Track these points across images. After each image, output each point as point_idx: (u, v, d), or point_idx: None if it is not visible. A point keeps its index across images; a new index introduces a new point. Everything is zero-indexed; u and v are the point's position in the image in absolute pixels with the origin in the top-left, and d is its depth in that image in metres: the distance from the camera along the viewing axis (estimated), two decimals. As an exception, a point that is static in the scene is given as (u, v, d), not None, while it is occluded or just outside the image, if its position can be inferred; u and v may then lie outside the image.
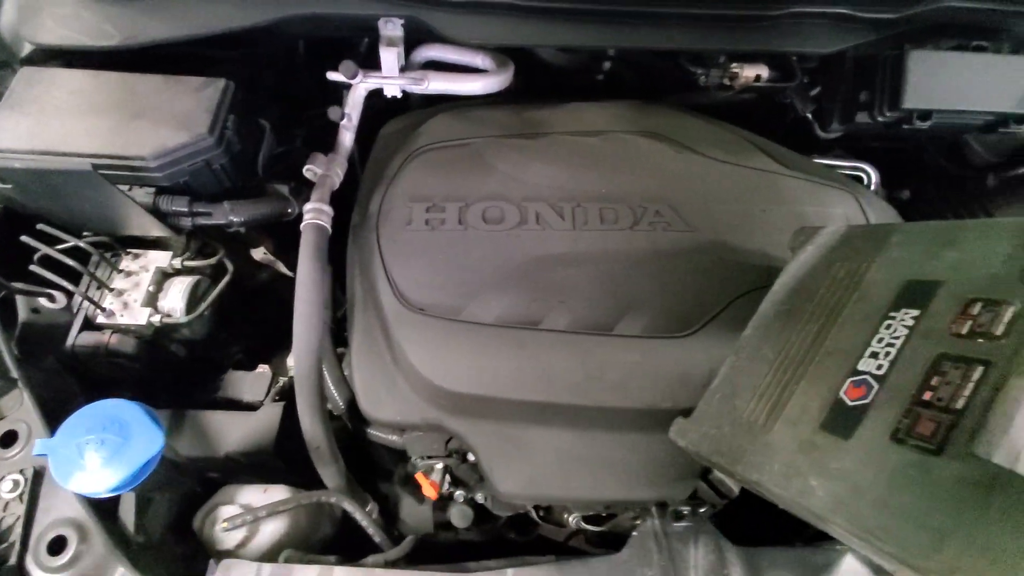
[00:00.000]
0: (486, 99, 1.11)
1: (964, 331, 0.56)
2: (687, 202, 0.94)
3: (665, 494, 0.83)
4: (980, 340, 0.54)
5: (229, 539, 0.74)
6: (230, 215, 0.88)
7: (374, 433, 0.92)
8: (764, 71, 0.99)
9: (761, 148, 1.03)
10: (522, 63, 1.17)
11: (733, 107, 1.18)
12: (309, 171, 0.94)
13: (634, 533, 0.71)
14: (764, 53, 0.98)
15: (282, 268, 1.08)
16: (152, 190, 0.84)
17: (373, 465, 1.02)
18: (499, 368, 0.84)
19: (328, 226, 0.88)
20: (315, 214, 0.87)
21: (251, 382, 1.01)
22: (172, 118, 0.82)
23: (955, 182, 1.06)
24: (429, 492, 0.86)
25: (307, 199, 0.92)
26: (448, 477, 0.97)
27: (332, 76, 0.92)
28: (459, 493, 0.99)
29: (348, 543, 0.89)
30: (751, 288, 0.87)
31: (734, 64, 1.00)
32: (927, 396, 0.54)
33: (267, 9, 0.89)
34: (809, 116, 1.04)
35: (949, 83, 0.88)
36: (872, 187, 1.07)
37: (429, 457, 0.95)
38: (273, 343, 1.09)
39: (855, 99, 0.95)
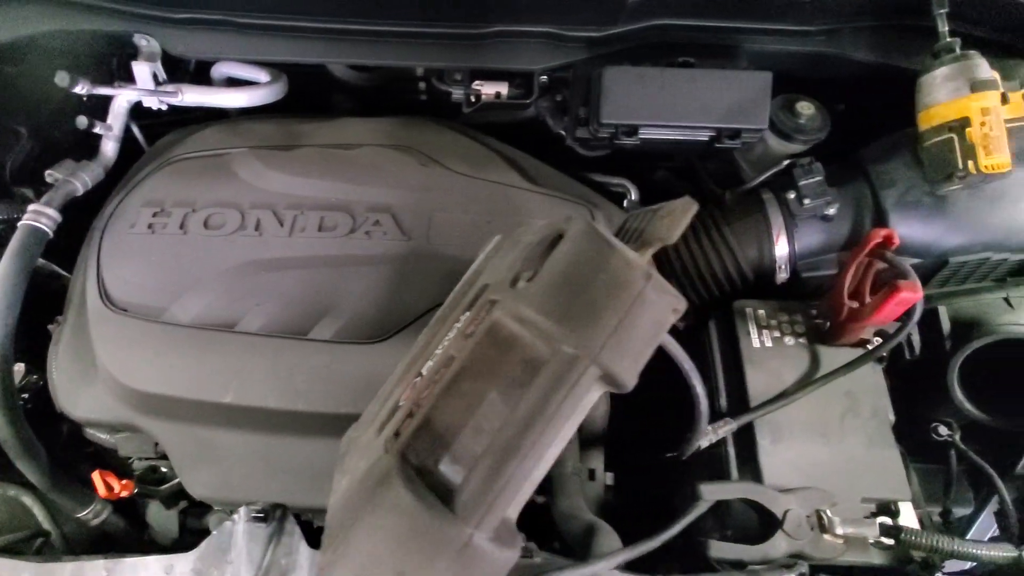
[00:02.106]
0: (285, 112, 1.15)
1: (468, 332, 0.55)
2: (410, 212, 0.95)
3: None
4: (465, 339, 0.54)
5: None
6: (-45, 213, 0.93)
7: (89, 432, 0.94)
8: (504, 88, 1.01)
9: (514, 164, 1.05)
10: (338, 84, 1.22)
11: (524, 126, 1.20)
12: (50, 176, 0.98)
13: (213, 532, 0.71)
14: (479, 70, 1.00)
15: (56, 270, 1.11)
16: None
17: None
18: (189, 369, 0.86)
19: (47, 229, 0.91)
20: (33, 216, 0.90)
21: (4, 380, 1.03)
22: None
23: (713, 200, 1.06)
24: (102, 491, 0.87)
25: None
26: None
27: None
28: (217, 500, 1.00)
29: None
30: (452, 297, 0.87)
31: (476, 82, 1.02)
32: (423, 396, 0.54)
33: (13, 25, 0.95)
34: (563, 133, 1.05)
35: (650, 98, 0.88)
36: (625, 204, 1.07)
37: (147, 459, 0.96)
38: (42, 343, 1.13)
39: (577, 115, 0.96)
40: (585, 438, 1.05)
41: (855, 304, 0.89)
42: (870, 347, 0.96)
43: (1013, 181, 0.85)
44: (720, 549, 0.76)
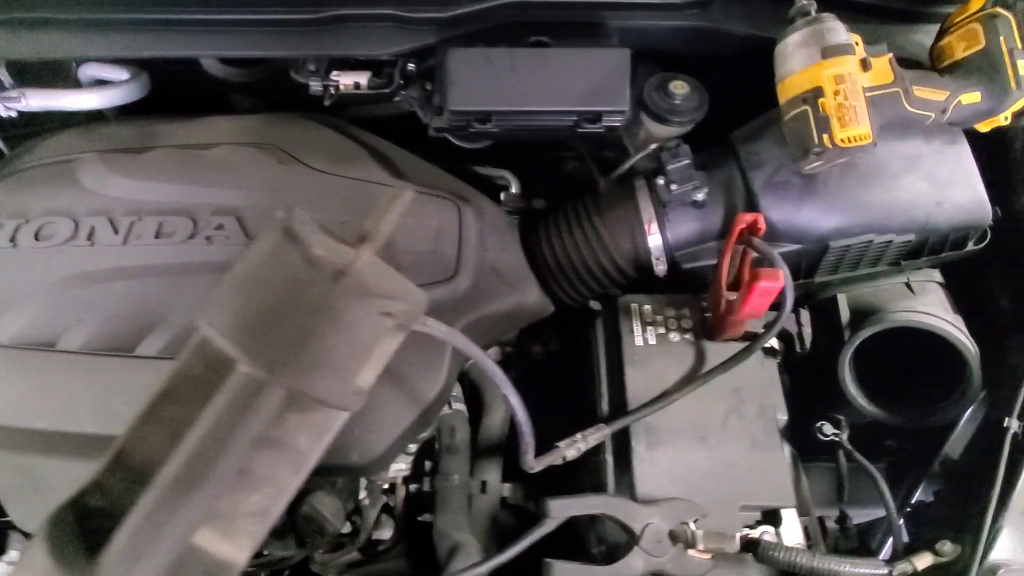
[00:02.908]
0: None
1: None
2: (260, 214, 0.88)
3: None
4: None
5: None
6: None
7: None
8: (364, 79, 0.95)
9: (383, 159, 0.98)
10: (221, 82, 1.16)
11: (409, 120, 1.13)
12: None
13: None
14: (337, 60, 0.93)
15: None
16: None
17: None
18: (5, 393, 0.79)
19: None
20: None
21: None
22: None
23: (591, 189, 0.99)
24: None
25: None
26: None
27: None
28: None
29: None
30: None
31: (333, 72, 0.95)
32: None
33: None
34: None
35: (499, 82, 0.81)
36: (503, 196, 1.01)
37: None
38: None
39: (432, 103, 0.89)
40: (481, 448, 1.00)
41: (733, 296, 0.83)
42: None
43: (889, 156, 0.78)
44: (564, 571, 0.69)
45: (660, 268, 0.89)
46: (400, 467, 0.97)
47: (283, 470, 0.42)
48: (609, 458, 0.84)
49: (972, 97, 0.73)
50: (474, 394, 1.04)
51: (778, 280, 0.70)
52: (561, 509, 0.71)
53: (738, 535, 0.68)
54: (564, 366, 1.11)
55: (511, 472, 0.97)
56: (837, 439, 0.80)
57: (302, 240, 0.36)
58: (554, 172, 1.17)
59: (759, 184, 0.80)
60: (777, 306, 0.79)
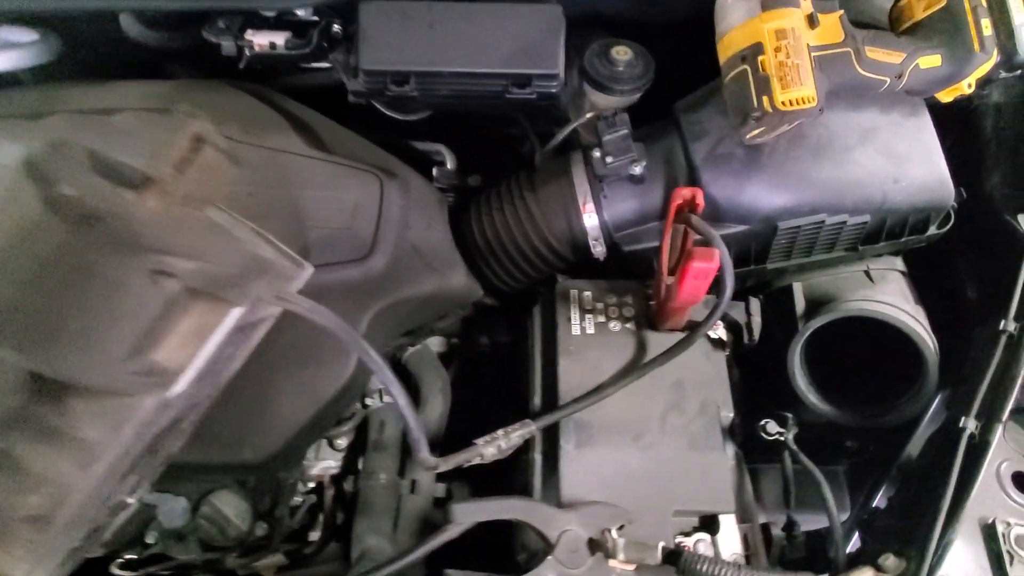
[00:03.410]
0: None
1: None
2: (158, 185, 0.81)
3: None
4: None
5: None
6: None
7: None
8: (280, 39, 0.87)
9: (304, 129, 0.90)
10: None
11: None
12: None
13: None
14: (251, 17, 0.85)
15: None
16: None
17: None
18: None
19: None
20: None
21: None
22: None
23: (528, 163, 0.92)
24: None
25: None
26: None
27: None
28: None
29: None
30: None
31: (248, 31, 0.87)
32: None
33: None
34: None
35: (417, 40, 0.74)
36: (435, 172, 0.93)
37: None
38: None
39: (348, 65, 0.81)
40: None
41: (672, 280, 0.75)
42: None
43: (841, 127, 0.71)
44: (462, 584, 0.62)
45: (598, 250, 0.82)
46: (329, 464, 0.90)
47: (66, 466, 0.35)
48: (538, 457, 0.77)
49: (931, 60, 0.66)
50: (412, 387, 0.98)
51: (712, 260, 0.63)
52: (466, 514, 0.64)
53: (660, 545, 0.61)
54: (512, 358, 1.05)
55: (454, 471, 0.91)
56: (782, 438, 0.73)
57: (45, 177, 0.28)
58: (511, 151, 1.10)
59: (700, 157, 0.73)
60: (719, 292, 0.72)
